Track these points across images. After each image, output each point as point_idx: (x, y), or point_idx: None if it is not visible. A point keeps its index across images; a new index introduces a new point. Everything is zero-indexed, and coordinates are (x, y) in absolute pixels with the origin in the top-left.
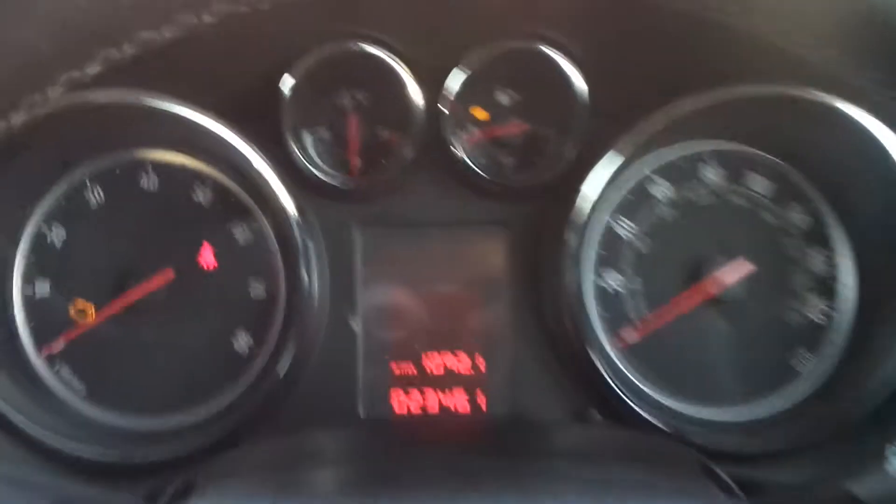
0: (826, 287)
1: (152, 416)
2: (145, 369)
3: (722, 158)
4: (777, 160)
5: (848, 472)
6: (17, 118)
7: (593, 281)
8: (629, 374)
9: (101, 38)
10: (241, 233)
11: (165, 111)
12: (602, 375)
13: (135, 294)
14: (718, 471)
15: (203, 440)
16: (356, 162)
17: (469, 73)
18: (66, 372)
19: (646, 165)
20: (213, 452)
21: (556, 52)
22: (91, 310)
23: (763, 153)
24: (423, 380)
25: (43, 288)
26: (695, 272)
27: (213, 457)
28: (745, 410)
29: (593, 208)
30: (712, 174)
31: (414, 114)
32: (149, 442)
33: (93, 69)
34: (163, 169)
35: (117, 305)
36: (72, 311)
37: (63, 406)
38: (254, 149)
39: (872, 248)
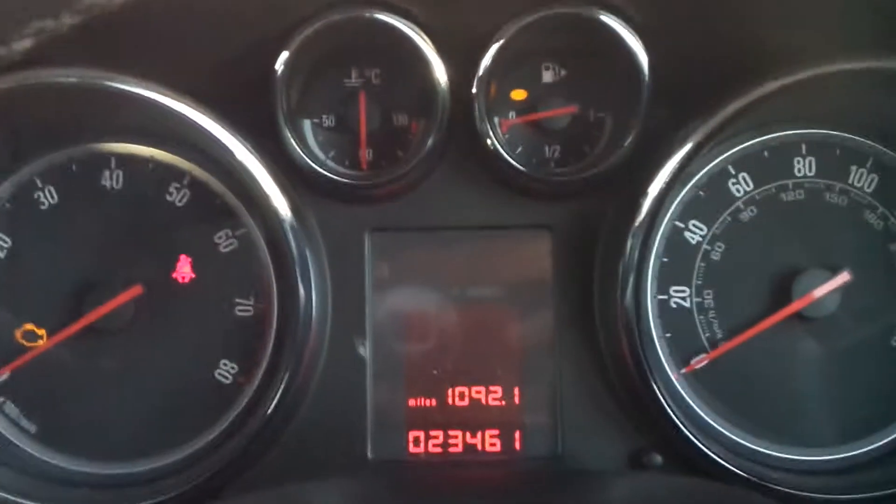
0: None
1: (116, 461)
2: (108, 405)
3: (815, 148)
4: (884, 150)
5: None
6: None
7: (655, 295)
8: (697, 408)
9: (31, 4)
10: (224, 240)
11: (131, 94)
12: (665, 410)
13: (96, 314)
14: None
15: (177, 490)
16: (366, 154)
17: (506, 45)
18: (10, 408)
19: (722, 157)
20: None
21: (612, 17)
22: (42, 333)
23: (867, 141)
24: (446, 415)
25: None
26: (779, 286)
27: None
28: (840, 451)
29: (657, 208)
30: (803, 166)
31: (438, 96)
32: (112, 492)
33: (21, 44)
34: (129, 164)
35: (74, 328)
36: (18, 335)
37: (7, 449)
38: (239, 138)
39: None
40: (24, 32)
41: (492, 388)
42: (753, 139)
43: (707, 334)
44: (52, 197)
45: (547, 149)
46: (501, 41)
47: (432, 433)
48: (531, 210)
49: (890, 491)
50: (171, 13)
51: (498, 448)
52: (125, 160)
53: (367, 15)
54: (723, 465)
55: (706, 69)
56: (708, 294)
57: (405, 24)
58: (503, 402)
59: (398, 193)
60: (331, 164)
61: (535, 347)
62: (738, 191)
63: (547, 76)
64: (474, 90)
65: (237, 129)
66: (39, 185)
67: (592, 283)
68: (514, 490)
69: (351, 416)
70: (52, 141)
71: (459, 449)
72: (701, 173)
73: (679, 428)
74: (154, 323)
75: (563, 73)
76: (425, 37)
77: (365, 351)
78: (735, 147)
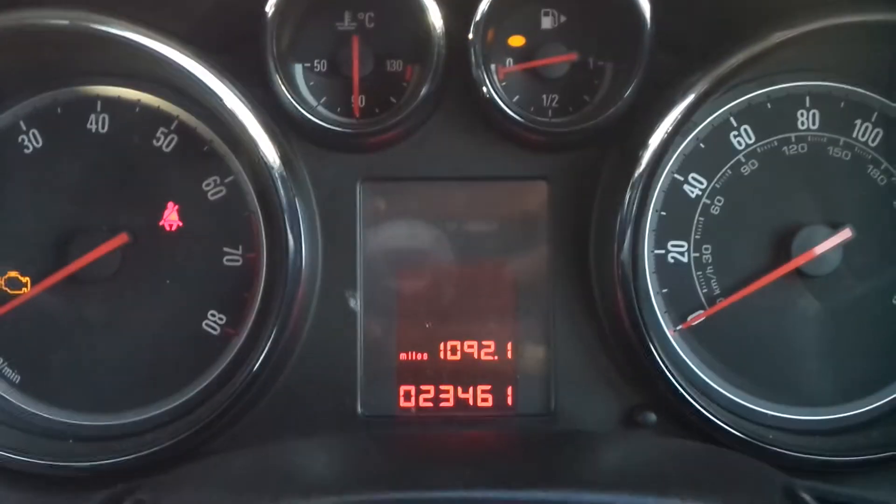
0: None
1: (102, 413)
2: (93, 356)
3: (819, 100)
4: (890, 104)
5: None
6: None
7: (653, 250)
8: (693, 365)
9: None
10: (212, 187)
11: (118, 37)
12: (660, 367)
13: (81, 262)
14: (805, 496)
15: (162, 443)
16: (359, 101)
17: None
18: None
19: (724, 108)
20: (172, 460)
21: None
22: (26, 281)
23: (872, 95)
24: (437, 369)
25: None
26: (779, 242)
27: (172, 466)
28: (838, 411)
29: (656, 161)
30: (807, 119)
31: (433, 41)
32: (97, 445)
33: None
34: (116, 107)
35: (59, 276)
36: (1, 283)
37: None
38: (228, 83)
39: None
40: None
41: (484, 342)
42: (757, 90)
43: (705, 290)
44: (37, 140)
45: (545, 98)
46: None
47: (423, 388)
48: (528, 161)
49: (887, 453)
50: None
51: (490, 403)
52: (111, 103)
53: None
54: (718, 424)
55: (710, 18)
56: (706, 249)
57: None
58: (496, 357)
59: (391, 142)
60: (322, 110)
61: (529, 302)
62: (739, 143)
63: (546, 22)
64: (471, 36)
65: (226, 73)
66: (24, 128)
67: (589, 237)
68: (508, 447)
69: (341, 369)
70: (37, 83)
71: (451, 404)
72: (702, 125)
73: (674, 386)
74: (140, 272)
75: (562, 19)
76: None
77: (356, 304)
78: (738, 98)
